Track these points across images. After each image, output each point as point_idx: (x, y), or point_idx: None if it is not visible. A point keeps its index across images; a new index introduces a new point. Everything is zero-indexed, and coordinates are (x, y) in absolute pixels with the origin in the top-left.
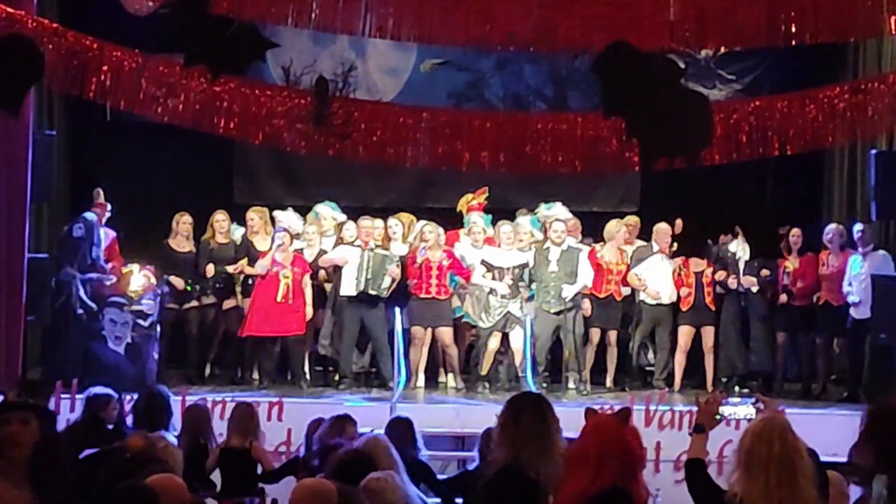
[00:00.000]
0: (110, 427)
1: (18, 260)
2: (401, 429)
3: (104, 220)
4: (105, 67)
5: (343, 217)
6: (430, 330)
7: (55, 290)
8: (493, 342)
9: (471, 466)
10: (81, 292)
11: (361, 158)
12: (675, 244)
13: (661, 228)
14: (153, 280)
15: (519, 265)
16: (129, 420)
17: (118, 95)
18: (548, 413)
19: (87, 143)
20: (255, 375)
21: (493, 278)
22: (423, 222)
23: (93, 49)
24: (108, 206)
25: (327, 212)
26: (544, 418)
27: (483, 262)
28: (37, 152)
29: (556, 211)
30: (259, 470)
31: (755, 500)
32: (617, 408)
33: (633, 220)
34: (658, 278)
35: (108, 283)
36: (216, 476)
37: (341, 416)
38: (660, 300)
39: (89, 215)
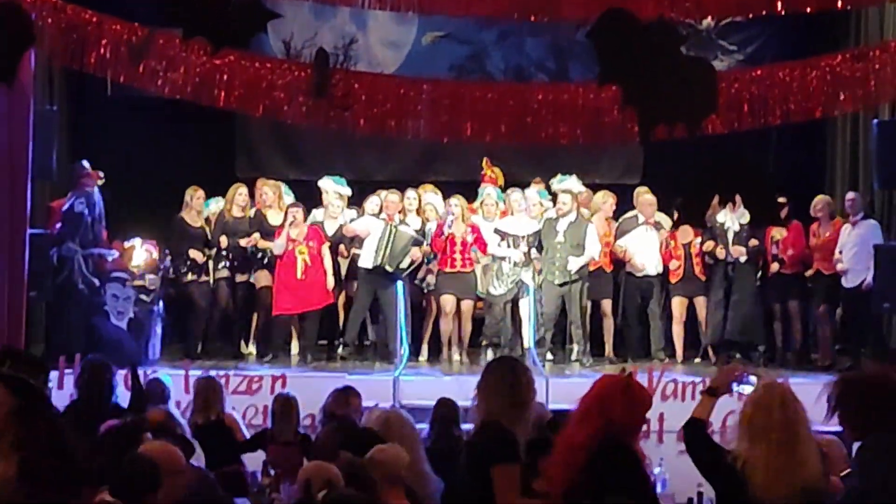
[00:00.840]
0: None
1: (20, 236)
2: (444, 409)
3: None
4: (104, 41)
5: (348, 191)
6: (451, 300)
7: (57, 266)
8: (497, 309)
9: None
10: (83, 268)
11: (362, 131)
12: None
13: (646, 199)
14: (155, 255)
15: (533, 233)
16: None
17: (118, 69)
18: (520, 375)
19: (88, 118)
20: (295, 350)
21: (508, 246)
22: (452, 197)
23: (92, 22)
24: (101, 173)
25: (329, 186)
26: (515, 380)
27: (497, 231)
28: (38, 128)
29: (570, 183)
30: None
31: (757, 464)
32: None
33: (609, 194)
34: (643, 250)
35: (110, 258)
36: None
37: (345, 388)
38: (646, 272)
39: (91, 190)
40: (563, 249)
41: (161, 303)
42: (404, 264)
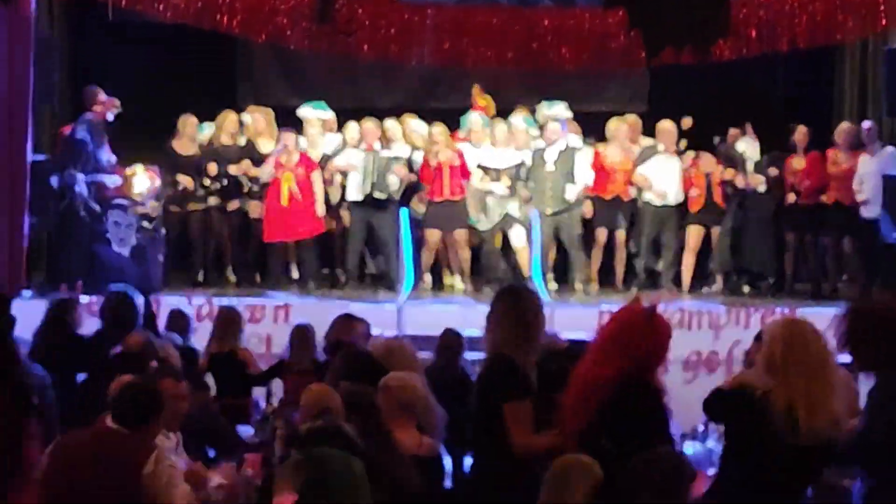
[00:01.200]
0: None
1: (21, 163)
2: (450, 339)
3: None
4: None
5: (330, 114)
6: (443, 233)
7: (59, 193)
8: (496, 242)
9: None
10: (85, 194)
11: (366, 57)
12: (685, 141)
13: (666, 128)
14: (157, 182)
15: (515, 165)
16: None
17: None
18: (527, 303)
19: (89, 44)
20: (295, 274)
21: (491, 180)
22: (434, 125)
23: None
24: (116, 101)
25: (308, 113)
26: (523, 309)
27: (479, 166)
28: (38, 54)
29: (557, 110)
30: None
31: (798, 401)
32: None
33: (633, 118)
34: (664, 178)
35: (111, 184)
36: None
37: (347, 315)
38: (666, 200)
39: (91, 116)
40: (554, 178)
41: (163, 230)
42: (392, 184)
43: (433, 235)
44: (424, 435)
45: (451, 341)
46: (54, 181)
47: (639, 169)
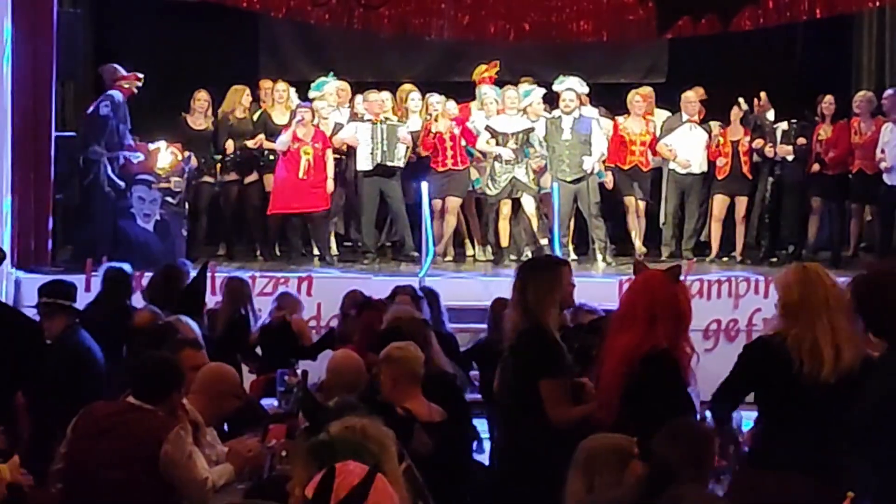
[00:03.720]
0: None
1: (45, 139)
2: (427, 300)
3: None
4: None
5: (337, 86)
6: (449, 201)
7: (83, 169)
8: (505, 209)
9: (482, 338)
10: (109, 170)
11: (386, 30)
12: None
13: (688, 97)
14: (181, 157)
15: (523, 130)
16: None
17: None
18: (556, 274)
19: (113, 20)
20: (278, 252)
21: (497, 144)
22: (430, 95)
23: None
24: (139, 75)
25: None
26: (553, 280)
27: (487, 129)
28: (62, 30)
29: (572, 82)
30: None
31: (805, 340)
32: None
33: (646, 90)
34: (688, 147)
35: (135, 160)
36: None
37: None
38: (690, 169)
39: (115, 93)
40: (571, 147)
41: (187, 205)
42: (400, 153)
43: (437, 205)
44: (431, 402)
45: (501, 309)
46: (78, 158)
47: (663, 140)
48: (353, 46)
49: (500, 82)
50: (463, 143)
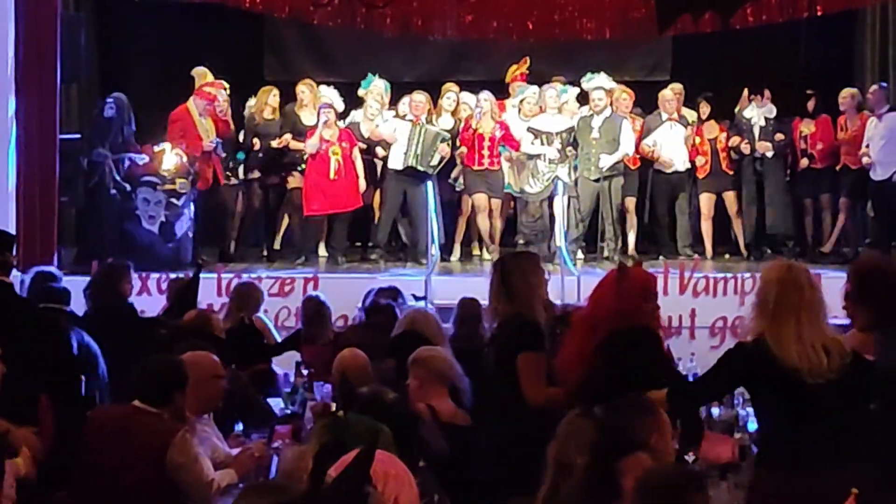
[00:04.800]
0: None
1: (50, 141)
2: (468, 308)
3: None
4: None
5: (387, 96)
6: (483, 199)
7: (88, 171)
8: (533, 207)
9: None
10: (114, 172)
11: (389, 29)
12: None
13: (665, 95)
14: (185, 159)
15: (566, 129)
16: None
17: None
18: (538, 267)
19: (116, 22)
20: (323, 252)
21: (542, 144)
22: (482, 92)
23: None
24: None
25: (372, 89)
26: (537, 272)
27: (530, 129)
28: (65, 33)
29: (601, 80)
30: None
31: (790, 341)
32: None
33: (678, 87)
34: (670, 146)
35: (140, 162)
36: None
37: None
38: (674, 168)
39: (120, 95)
40: (599, 146)
41: (192, 206)
42: (434, 161)
43: (481, 200)
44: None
45: (469, 309)
46: (83, 160)
47: (645, 140)
48: (356, 47)
49: (503, 81)
50: (502, 147)
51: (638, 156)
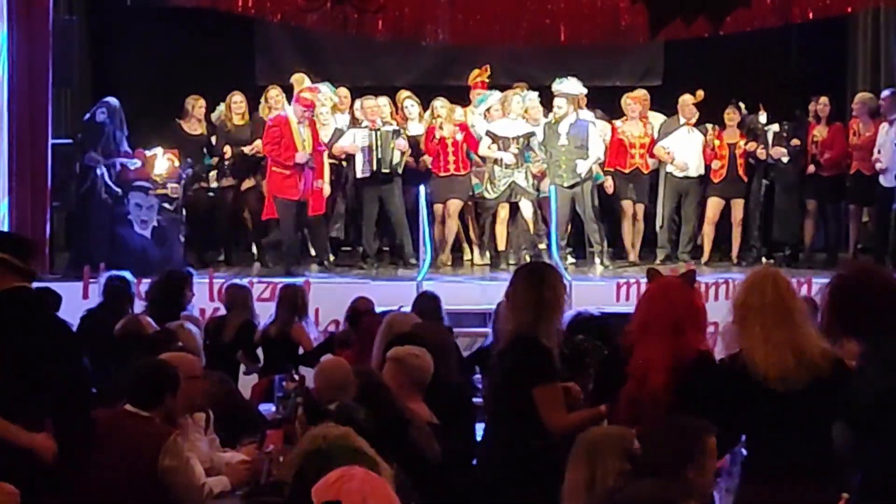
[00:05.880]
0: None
1: (42, 146)
2: (427, 304)
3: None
4: None
5: (342, 93)
6: (450, 205)
7: (80, 176)
8: (502, 213)
9: (486, 343)
10: (106, 177)
11: (381, 35)
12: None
13: (685, 100)
14: (177, 164)
15: (524, 134)
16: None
17: None
18: (546, 281)
19: (108, 28)
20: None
21: (499, 148)
22: (436, 100)
23: None
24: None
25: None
26: (542, 287)
27: (488, 133)
28: (57, 38)
29: (568, 86)
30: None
31: (757, 349)
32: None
33: (639, 92)
34: (685, 150)
35: (132, 167)
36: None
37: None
38: (687, 172)
39: (112, 100)
40: (568, 152)
41: (184, 211)
42: (395, 159)
43: (452, 205)
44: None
45: (426, 304)
46: (75, 164)
47: (660, 143)
48: (349, 51)
49: (495, 86)
50: (469, 154)
51: (646, 160)
